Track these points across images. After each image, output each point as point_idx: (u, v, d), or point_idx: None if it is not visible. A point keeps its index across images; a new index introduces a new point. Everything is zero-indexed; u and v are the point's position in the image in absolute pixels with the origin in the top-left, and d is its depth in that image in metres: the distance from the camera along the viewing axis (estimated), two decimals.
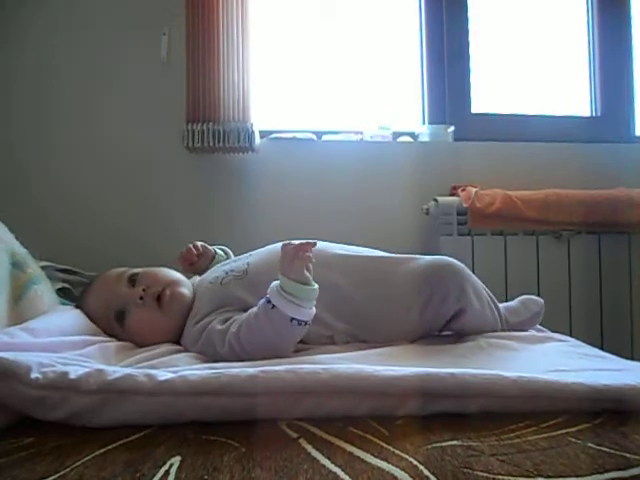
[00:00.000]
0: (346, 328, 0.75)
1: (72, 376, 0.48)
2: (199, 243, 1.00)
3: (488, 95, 1.76)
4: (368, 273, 0.80)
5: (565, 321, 1.43)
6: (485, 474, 0.35)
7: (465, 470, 0.36)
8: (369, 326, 0.75)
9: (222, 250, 1.03)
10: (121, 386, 0.47)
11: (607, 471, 0.35)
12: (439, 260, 0.79)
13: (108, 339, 0.78)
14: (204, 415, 0.47)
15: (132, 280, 0.83)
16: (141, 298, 0.79)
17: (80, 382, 0.47)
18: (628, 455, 0.38)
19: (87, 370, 0.49)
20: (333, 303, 0.75)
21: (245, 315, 0.70)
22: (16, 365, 0.47)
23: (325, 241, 0.89)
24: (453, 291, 0.75)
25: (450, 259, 0.79)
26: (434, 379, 0.49)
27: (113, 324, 0.80)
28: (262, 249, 0.88)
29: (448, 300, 0.75)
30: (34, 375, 0.47)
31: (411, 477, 0.35)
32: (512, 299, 0.94)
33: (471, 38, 1.72)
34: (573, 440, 0.41)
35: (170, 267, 0.92)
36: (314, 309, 0.68)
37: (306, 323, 0.67)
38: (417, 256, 0.82)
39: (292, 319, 0.65)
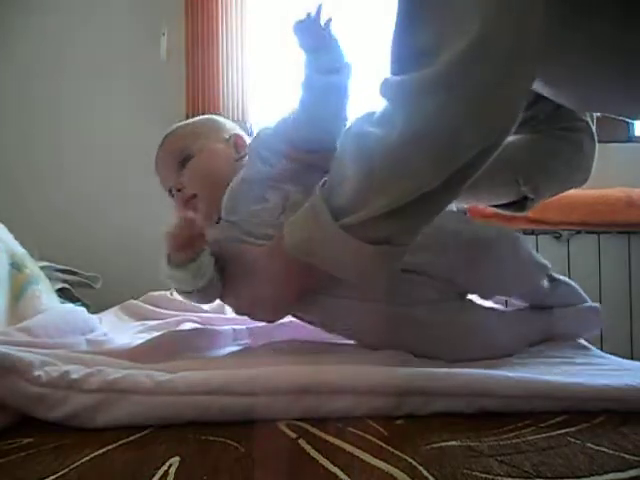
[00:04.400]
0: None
1: (73, 375, 0.48)
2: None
3: None
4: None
5: None
6: (484, 475, 0.35)
7: (464, 471, 0.36)
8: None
9: None
10: (121, 385, 0.47)
11: (606, 472, 0.35)
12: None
13: (108, 339, 0.78)
14: (204, 415, 0.47)
15: None
16: None
17: (81, 381, 0.47)
18: (627, 456, 0.38)
19: (88, 370, 0.49)
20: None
21: None
22: (20, 362, 0.48)
23: None
24: None
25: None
26: (434, 378, 0.50)
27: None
28: None
29: None
30: (37, 372, 0.47)
31: (410, 478, 0.35)
32: None
33: None
34: (572, 440, 0.41)
35: None
36: None
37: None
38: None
39: None
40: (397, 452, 0.39)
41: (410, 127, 0.50)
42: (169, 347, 0.69)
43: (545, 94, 0.72)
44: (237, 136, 0.82)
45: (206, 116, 0.93)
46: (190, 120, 0.92)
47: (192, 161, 0.77)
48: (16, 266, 0.82)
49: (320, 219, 0.55)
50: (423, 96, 0.49)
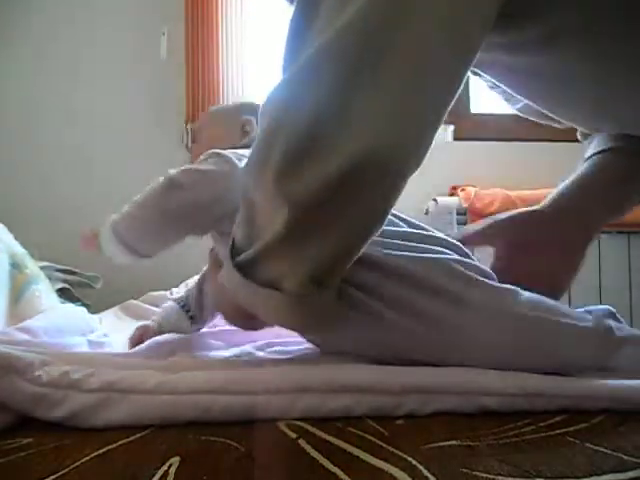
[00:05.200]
0: None
1: (73, 375, 0.48)
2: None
3: (488, 94, 1.76)
4: None
5: None
6: (484, 474, 0.35)
7: (465, 470, 0.36)
8: None
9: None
10: (121, 385, 0.47)
11: (605, 473, 0.35)
12: None
13: (108, 339, 0.78)
14: (204, 415, 0.47)
15: None
16: None
17: (81, 381, 0.47)
18: (625, 457, 0.38)
19: (88, 370, 0.49)
20: None
21: None
22: (20, 362, 0.48)
23: None
24: None
25: None
26: (434, 376, 0.50)
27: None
28: None
29: None
30: (37, 372, 0.47)
31: (410, 477, 0.35)
32: None
33: None
34: (571, 440, 0.41)
35: (169, 267, 0.92)
36: None
37: None
38: None
39: None
40: (397, 452, 0.39)
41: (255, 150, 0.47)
42: (169, 347, 0.69)
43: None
44: (246, 121, 0.88)
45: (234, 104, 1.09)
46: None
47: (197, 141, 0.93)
48: (16, 266, 0.82)
49: (226, 257, 0.53)
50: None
